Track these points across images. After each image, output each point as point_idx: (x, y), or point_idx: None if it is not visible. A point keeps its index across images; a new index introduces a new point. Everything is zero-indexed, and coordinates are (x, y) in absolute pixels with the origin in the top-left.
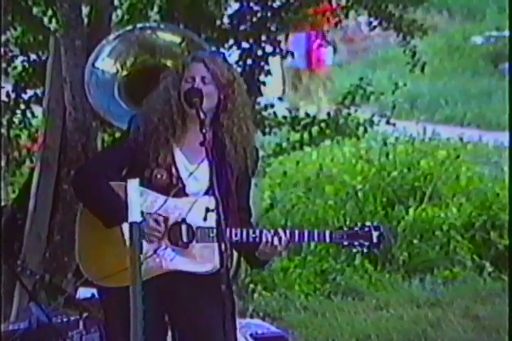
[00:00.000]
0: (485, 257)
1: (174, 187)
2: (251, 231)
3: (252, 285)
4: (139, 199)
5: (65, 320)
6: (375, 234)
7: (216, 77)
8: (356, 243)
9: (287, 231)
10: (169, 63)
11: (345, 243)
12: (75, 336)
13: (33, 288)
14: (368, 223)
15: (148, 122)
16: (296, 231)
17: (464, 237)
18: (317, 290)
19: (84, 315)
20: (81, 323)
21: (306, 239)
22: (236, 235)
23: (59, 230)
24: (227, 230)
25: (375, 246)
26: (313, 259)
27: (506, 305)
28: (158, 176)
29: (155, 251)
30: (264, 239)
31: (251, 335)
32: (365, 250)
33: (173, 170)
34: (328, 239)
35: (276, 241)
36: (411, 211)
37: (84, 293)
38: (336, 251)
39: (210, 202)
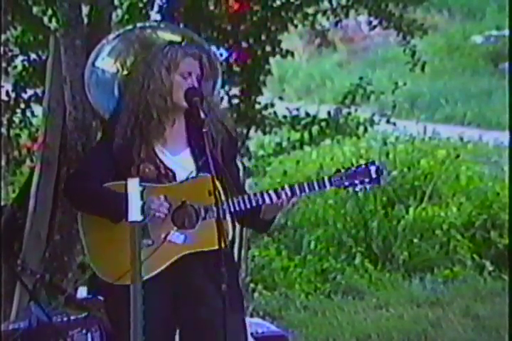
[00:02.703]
0: (485, 256)
1: (164, 177)
2: (252, 195)
3: (252, 285)
4: (139, 198)
5: (65, 319)
6: (372, 168)
7: (205, 76)
8: (357, 181)
9: (287, 188)
10: None
11: (346, 183)
12: (75, 335)
13: (33, 288)
14: (362, 161)
15: (128, 116)
16: (296, 185)
17: (464, 236)
18: (317, 290)
19: (85, 314)
20: (81, 322)
21: (307, 190)
22: (239, 203)
23: (59, 230)
24: (230, 201)
25: (375, 181)
26: (314, 258)
27: (506, 305)
28: (146, 170)
29: (165, 238)
30: (267, 200)
31: (251, 334)
32: (367, 187)
33: (158, 161)
34: (328, 185)
35: (282, 196)
36: (411, 210)
37: (84, 292)
38: (336, 250)
39: (205, 180)
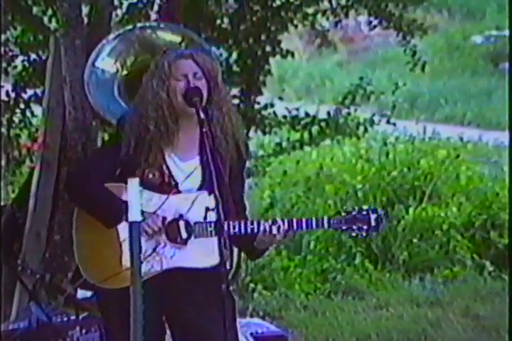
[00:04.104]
0: (485, 256)
1: (167, 185)
2: (249, 223)
3: (252, 285)
4: (139, 198)
5: (65, 319)
6: (372, 217)
7: (207, 72)
8: (355, 227)
9: (285, 220)
10: None
11: (344, 227)
12: (75, 335)
13: (33, 288)
14: (365, 207)
15: (138, 128)
16: (294, 219)
17: (463, 236)
18: (317, 290)
19: (84, 314)
20: (81, 322)
21: (304, 226)
22: (234, 227)
23: (59, 230)
24: (225, 223)
25: (374, 229)
26: (314, 259)
27: (506, 305)
28: (150, 175)
29: (154, 250)
30: (262, 229)
31: (251, 334)
32: (363, 234)
33: (164, 168)
34: (326, 225)
35: (274, 230)
36: (411, 210)
37: (84, 292)
38: (336, 250)
39: (205, 197)
